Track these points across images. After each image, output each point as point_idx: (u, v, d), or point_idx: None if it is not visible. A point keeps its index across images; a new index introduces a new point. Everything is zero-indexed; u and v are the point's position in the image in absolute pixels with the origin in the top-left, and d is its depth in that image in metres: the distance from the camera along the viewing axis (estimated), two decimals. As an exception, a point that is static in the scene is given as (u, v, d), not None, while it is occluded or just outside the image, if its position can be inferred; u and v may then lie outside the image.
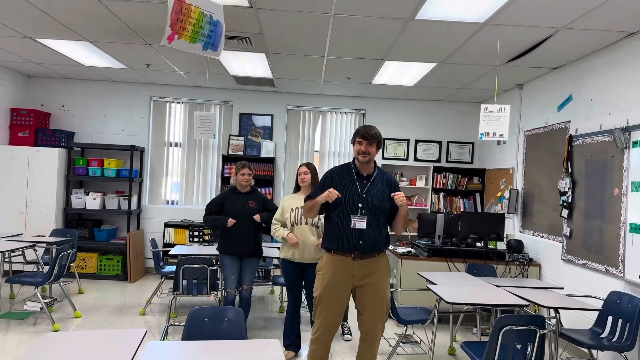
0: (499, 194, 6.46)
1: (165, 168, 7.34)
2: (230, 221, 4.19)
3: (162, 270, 5.34)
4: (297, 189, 4.17)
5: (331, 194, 2.99)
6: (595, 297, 3.98)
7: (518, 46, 4.43)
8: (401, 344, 4.15)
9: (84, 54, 5.50)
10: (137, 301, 5.61)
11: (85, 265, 6.62)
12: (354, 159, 3.19)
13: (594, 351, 3.89)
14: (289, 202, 4.11)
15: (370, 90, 6.72)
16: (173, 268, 5.38)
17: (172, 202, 7.38)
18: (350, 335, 4.55)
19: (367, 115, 7.27)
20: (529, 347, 2.99)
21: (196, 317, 2.66)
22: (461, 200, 7.04)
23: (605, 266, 4.12)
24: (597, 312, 3.82)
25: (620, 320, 3.69)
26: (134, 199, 6.91)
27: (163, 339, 4.20)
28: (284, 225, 4.05)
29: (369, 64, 5.29)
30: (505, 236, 5.61)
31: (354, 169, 3.15)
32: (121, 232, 7.04)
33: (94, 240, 6.76)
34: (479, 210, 6.97)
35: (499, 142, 6.60)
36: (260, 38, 4.58)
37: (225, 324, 2.68)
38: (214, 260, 4.45)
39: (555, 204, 5.02)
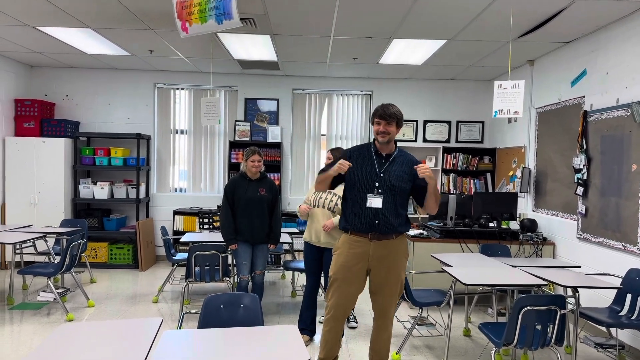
0: (510, 173, 6.36)
1: (172, 156, 7.29)
2: (232, 247, 4.21)
3: (174, 257, 5.33)
4: None
5: (342, 164, 2.91)
6: (613, 275, 3.92)
7: (531, 19, 4.29)
8: (416, 326, 4.12)
9: (86, 41, 5.41)
10: (149, 289, 5.62)
11: (96, 255, 6.63)
12: (374, 139, 3.09)
13: (612, 330, 3.85)
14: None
15: (377, 70, 6.60)
16: (184, 255, 5.35)
17: (180, 190, 7.35)
18: (356, 322, 4.51)
19: (374, 97, 7.16)
20: (549, 328, 2.94)
21: (212, 304, 2.63)
22: (472, 181, 6.95)
23: (622, 243, 4.04)
24: (616, 290, 3.76)
25: (639, 298, 3.63)
26: (142, 188, 6.88)
27: (179, 328, 4.18)
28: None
29: (376, 43, 5.17)
30: (518, 216, 5.54)
31: (374, 148, 3.08)
32: (130, 221, 7.03)
33: (104, 229, 6.76)
34: (490, 190, 6.88)
35: (509, 120, 6.49)
36: (265, 19, 4.47)
37: (241, 311, 2.65)
38: (226, 247, 4.42)
39: (569, 181, 4.92)
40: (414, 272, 4.89)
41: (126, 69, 6.99)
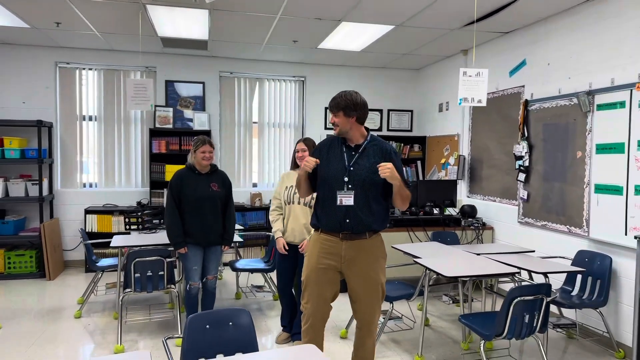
0: (442, 161, 6.51)
1: (79, 146, 6.36)
2: (180, 251, 3.72)
3: (97, 265, 4.62)
4: (295, 166, 3.71)
5: (307, 162, 2.69)
6: (564, 257, 4.11)
7: (485, 8, 4.30)
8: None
9: (-27, 7, 4.42)
10: (64, 302, 4.83)
11: (-11, 265, 5.58)
12: None
13: (563, 309, 4.05)
14: (284, 179, 3.75)
15: (312, 56, 6.32)
16: (110, 261, 4.72)
17: (90, 185, 6.46)
18: None
19: (307, 83, 6.88)
20: (535, 316, 2.96)
21: (196, 325, 2.21)
22: (404, 169, 7.01)
23: (567, 226, 4.26)
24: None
25: (590, 278, 3.85)
26: (45, 183, 5.91)
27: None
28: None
29: (323, 25, 4.88)
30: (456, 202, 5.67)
31: (343, 139, 2.83)
32: (31, 223, 6.03)
33: (-2, 234, 5.71)
34: (421, 177, 7.01)
35: (440, 109, 6.62)
36: (208, -9, 3.96)
37: (232, 330, 2.27)
38: (171, 251, 3.90)
39: (507, 168, 5.11)
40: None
41: (21, 44, 5.91)
